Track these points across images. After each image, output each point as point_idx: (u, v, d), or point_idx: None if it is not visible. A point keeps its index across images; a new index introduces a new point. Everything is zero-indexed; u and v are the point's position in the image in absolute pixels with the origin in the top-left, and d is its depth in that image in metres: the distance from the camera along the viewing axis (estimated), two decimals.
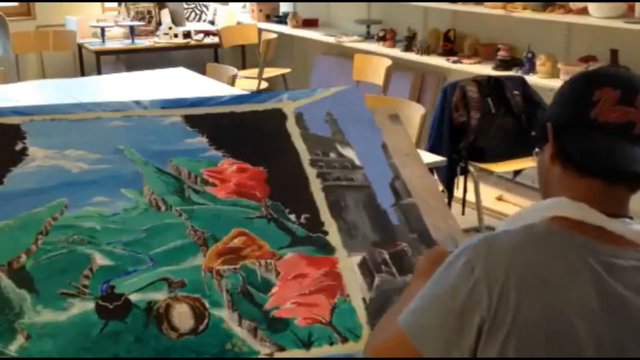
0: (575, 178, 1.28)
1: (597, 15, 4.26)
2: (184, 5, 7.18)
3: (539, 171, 1.38)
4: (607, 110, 1.25)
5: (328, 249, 1.67)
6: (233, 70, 4.81)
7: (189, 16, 7.26)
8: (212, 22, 7.22)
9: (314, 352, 1.47)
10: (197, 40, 6.78)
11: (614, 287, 1.21)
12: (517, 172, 4.35)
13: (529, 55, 4.69)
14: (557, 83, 4.47)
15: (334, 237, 1.70)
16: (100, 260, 1.54)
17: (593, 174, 1.26)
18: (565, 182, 1.29)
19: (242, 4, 7.40)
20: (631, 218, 1.28)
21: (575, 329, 1.19)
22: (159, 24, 6.91)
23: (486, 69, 4.81)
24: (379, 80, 5.11)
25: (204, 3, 7.33)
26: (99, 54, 6.35)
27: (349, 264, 1.65)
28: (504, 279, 1.20)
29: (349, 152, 1.91)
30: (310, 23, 6.68)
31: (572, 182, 1.28)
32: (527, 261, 1.22)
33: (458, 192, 4.15)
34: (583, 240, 1.23)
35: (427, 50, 5.37)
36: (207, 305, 1.50)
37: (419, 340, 1.22)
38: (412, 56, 5.42)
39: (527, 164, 3.94)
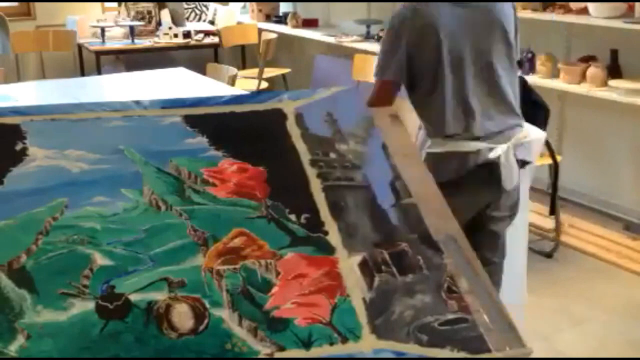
0: None
1: (597, 15, 4.26)
2: (184, 5, 7.19)
3: None
4: None
5: (328, 249, 1.67)
6: (233, 70, 4.81)
7: (189, 16, 7.26)
8: (212, 22, 7.22)
9: (314, 352, 1.47)
10: (197, 40, 6.79)
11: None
12: None
13: (529, 55, 4.69)
14: (557, 83, 4.48)
15: (334, 237, 1.70)
16: (100, 260, 1.54)
17: None
18: None
19: (242, 4, 7.40)
20: None
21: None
22: (159, 24, 6.92)
23: None
24: None
25: (204, 3, 7.33)
26: (99, 54, 6.36)
27: (349, 264, 1.65)
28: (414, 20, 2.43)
29: (349, 152, 1.91)
30: (310, 23, 6.68)
31: None
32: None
33: None
34: None
35: None
36: (207, 305, 1.50)
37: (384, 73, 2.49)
38: None
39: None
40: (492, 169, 2.46)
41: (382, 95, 2.39)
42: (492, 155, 2.44)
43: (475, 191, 2.48)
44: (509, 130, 2.49)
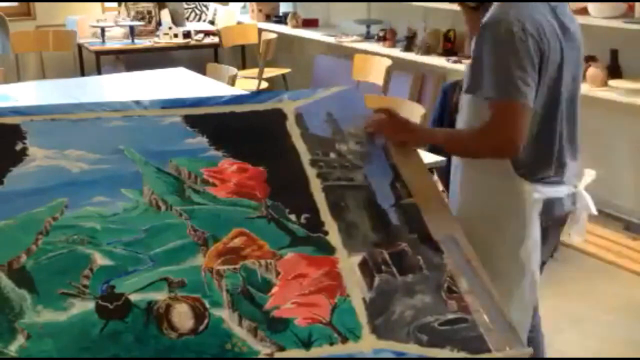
0: None
1: (597, 15, 4.26)
2: (184, 5, 7.18)
3: None
4: None
5: (328, 249, 1.67)
6: (233, 70, 4.80)
7: (189, 16, 7.26)
8: (212, 22, 7.22)
9: (314, 352, 1.47)
10: (197, 40, 6.78)
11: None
12: None
13: None
14: None
15: (334, 237, 1.70)
16: (100, 260, 1.54)
17: None
18: None
19: (242, 4, 7.40)
20: None
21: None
22: (159, 24, 6.91)
23: None
24: (379, 80, 5.11)
25: (204, 3, 7.33)
26: (99, 54, 6.35)
27: (349, 264, 1.65)
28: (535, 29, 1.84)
29: (349, 152, 1.91)
30: (310, 23, 6.68)
31: None
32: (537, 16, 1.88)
33: None
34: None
35: (427, 50, 5.36)
36: (207, 305, 1.50)
37: (519, 95, 1.82)
38: (412, 56, 5.42)
39: None
40: (565, 219, 2.12)
41: (522, 119, 1.85)
42: (573, 204, 2.09)
43: (549, 246, 2.13)
44: (578, 172, 2.13)
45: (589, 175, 2.26)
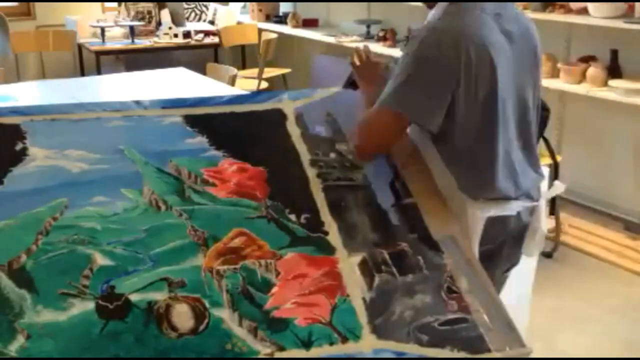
0: None
1: (597, 15, 4.26)
2: (184, 5, 7.18)
3: None
4: None
5: (328, 249, 1.67)
6: (233, 70, 4.81)
7: (189, 16, 7.26)
8: (212, 22, 7.22)
9: (314, 352, 1.47)
10: (197, 40, 6.78)
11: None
12: None
13: None
14: (557, 83, 4.48)
15: (334, 237, 1.70)
16: (100, 260, 1.54)
17: None
18: None
19: (242, 4, 7.40)
20: None
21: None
22: (159, 24, 6.91)
23: None
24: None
25: (204, 3, 7.33)
26: (99, 54, 6.35)
27: (349, 264, 1.65)
28: (465, 47, 1.73)
29: (349, 152, 1.91)
30: (310, 23, 6.68)
31: None
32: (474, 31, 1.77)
33: None
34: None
35: None
36: (207, 305, 1.50)
37: (408, 109, 1.78)
38: None
39: None
40: (523, 232, 2.03)
41: (395, 130, 1.84)
42: (531, 217, 2.01)
43: (507, 259, 2.03)
44: (537, 185, 2.03)
45: (558, 187, 2.18)
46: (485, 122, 1.82)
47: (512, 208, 1.92)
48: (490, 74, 1.78)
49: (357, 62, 2.13)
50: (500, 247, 1.96)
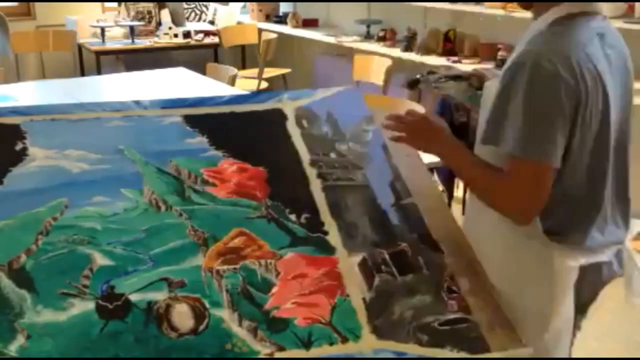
0: None
1: None
2: (184, 5, 7.18)
3: None
4: None
5: (328, 249, 1.67)
6: (233, 70, 4.80)
7: (189, 16, 7.26)
8: (212, 22, 7.22)
9: (314, 352, 1.47)
10: (197, 40, 6.78)
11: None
12: None
13: None
14: None
15: (334, 237, 1.70)
16: (100, 260, 1.54)
17: None
18: None
19: (242, 4, 7.39)
20: None
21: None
22: (159, 24, 6.91)
23: None
24: (379, 80, 5.11)
25: (204, 3, 7.33)
26: (99, 54, 6.35)
27: (349, 264, 1.65)
28: (580, 73, 1.52)
29: (349, 152, 1.91)
30: (310, 23, 6.68)
31: None
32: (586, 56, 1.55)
33: (458, 192, 4.14)
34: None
35: (427, 50, 5.37)
36: (207, 305, 1.50)
37: (545, 155, 1.53)
38: (412, 56, 5.42)
39: None
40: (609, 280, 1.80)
41: (546, 184, 1.56)
42: (623, 266, 1.80)
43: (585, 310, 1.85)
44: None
45: (636, 225, 1.95)
46: (595, 158, 1.61)
47: (607, 254, 1.71)
48: (603, 102, 1.58)
49: (402, 125, 1.79)
50: (590, 300, 1.79)
